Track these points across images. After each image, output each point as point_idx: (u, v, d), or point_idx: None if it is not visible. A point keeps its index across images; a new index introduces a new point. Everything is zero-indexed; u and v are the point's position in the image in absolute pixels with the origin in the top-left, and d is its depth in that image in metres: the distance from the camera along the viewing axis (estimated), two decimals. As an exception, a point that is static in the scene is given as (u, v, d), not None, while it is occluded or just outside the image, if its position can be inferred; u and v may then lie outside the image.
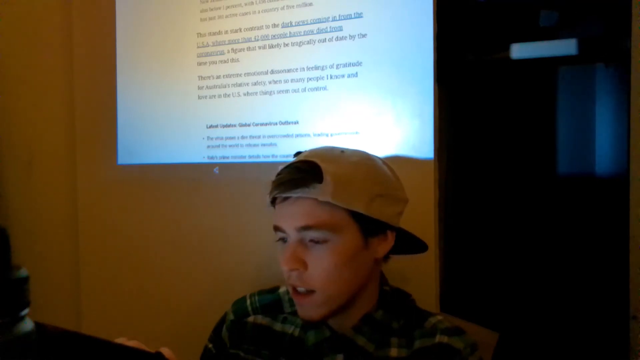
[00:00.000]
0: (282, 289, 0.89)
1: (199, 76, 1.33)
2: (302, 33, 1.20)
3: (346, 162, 0.77)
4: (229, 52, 1.29)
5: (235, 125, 1.29)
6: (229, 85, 1.30)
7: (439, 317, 0.81)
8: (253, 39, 1.26)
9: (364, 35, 1.14)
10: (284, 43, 1.23)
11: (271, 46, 1.24)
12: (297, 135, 1.22)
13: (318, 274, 0.75)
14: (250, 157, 1.27)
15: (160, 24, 1.38)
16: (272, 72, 1.24)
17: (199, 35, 1.33)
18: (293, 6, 1.21)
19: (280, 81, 1.23)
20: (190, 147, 1.35)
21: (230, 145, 1.30)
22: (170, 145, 1.37)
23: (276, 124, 1.24)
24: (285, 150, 1.22)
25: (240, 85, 1.28)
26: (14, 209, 1.62)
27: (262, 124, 1.26)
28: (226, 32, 1.29)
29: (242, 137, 1.28)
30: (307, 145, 1.16)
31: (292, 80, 1.22)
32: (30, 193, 1.60)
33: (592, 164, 1.45)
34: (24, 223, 1.59)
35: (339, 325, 0.80)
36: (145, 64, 1.40)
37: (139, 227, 1.41)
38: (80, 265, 1.50)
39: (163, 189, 1.38)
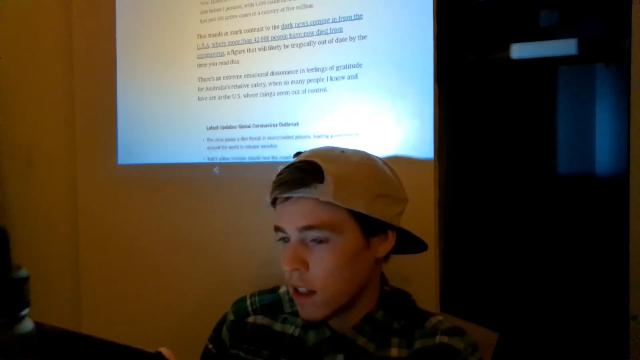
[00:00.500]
0: (282, 289, 0.89)
1: (199, 77, 1.33)
2: (302, 35, 1.20)
3: (347, 162, 0.77)
4: (229, 53, 1.30)
5: (235, 127, 1.29)
6: (229, 86, 1.30)
7: (440, 318, 0.82)
8: (253, 41, 1.26)
9: (364, 37, 1.14)
10: (284, 44, 1.23)
11: (271, 47, 1.24)
12: (297, 137, 1.22)
13: (319, 274, 0.75)
14: (250, 158, 1.27)
15: (160, 24, 1.38)
16: (272, 73, 1.24)
17: (199, 36, 1.33)
18: (293, 8, 1.21)
19: (280, 82, 1.23)
20: (190, 148, 1.35)
21: (230, 147, 1.30)
22: (170, 145, 1.37)
23: (276, 125, 1.24)
24: (285, 152, 1.22)
25: (240, 86, 1.28)
26: (14, 209, 1.61)
27: (262, 126, 1.26)
28: (226, 33, 1.29)
29: (242, 139, 1.28)
30: (308, 146, 1.16)
31: (292, 82, 1.22)
32: (30, 193, 1.60)
33: (592, 164, 1.45)
34: (24, 223, 1.59)
35: (340, 325, 0.80)
36: (145, 64, 1.40)
37: (139, 227, 1.41)
38: (80, 265, 1.49)
39: (163, 189, 1.38)
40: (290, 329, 0.84)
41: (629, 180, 1.04)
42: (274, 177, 0.79)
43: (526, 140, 1.50)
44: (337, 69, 1.16)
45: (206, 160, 1.33)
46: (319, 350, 0.80)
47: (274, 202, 0.80)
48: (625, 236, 1.04)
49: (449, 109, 1.33)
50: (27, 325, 0.32)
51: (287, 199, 0.76)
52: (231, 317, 0.89)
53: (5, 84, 1.61)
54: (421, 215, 1.05)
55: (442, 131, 1.12)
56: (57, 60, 1.54)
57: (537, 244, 1.46)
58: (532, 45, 1.32)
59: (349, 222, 0.75)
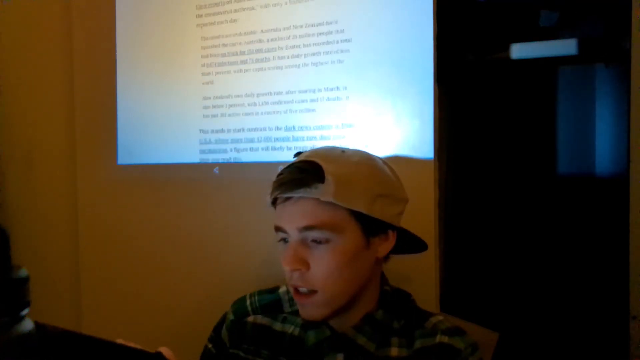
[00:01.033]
0: (282, 289, 0.89)
1: (199, 77, 1.33)
2: (305, 35, 1.20)
3: (347, 162, 0.77)
4: (229, 54, 1.30)
5: (235, 129, 1.29)
6: (229, 88, 1.30)
7: (440, 317, 0.82)
8: (255, 41, 1.26)
9: (363, 37, 1.14)
10: (286, 45, 1.23)
11: (272, 49, 1.24)
12: (297, 139, 1.22)
13: (320, 274, 0.75)
14: (250, 158, 1.27)
15: (160, 24, 1.38)
16: (273, 75, 1.24)
17: (203, 38, 1.33)
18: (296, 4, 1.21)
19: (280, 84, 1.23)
20: (190, 149, 1.35)
21: (230, 150, 1.30)
22: (170, 145, 1.37)
23: (276, 128, 1.24)
24: (285, 154, 1.22)
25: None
26: (14, 209, 1.62)
27: (262, 129, 1.26)
28: (227, 35, 1.29)
29: (242, 140, 1.28)
30: (308, 147, 1.17)
31: (292, 83, 1.22)
32: (30, 193, 1.60)
33: (592, 164, 1.45)
34: (24, 223, 1.59)
35: (340, 324, 0.80)
36: (145, 64, 1.40)
37: (139, 227, 1.41)
38: (80, 265, 1.50)
39: (163, 189, 1.38)
40: (290, 329, 0.84)
41: (629, 180, 1.04)
42: (274, 177, 0.79)
43: (526, 140, 1.50)
44: (337, 71, 1.16)
45: (206, 160, 1.33)
46: (319, 350, 0.80)
47: (274, 202, 0.79)
48: (625, 236, 1.04)
49: (449, 109, 1.33)
50: (27, 325, 0.32)
51: (288, 199, 0.76)
52: (231, 316, 0.89)
53: (5, 84, 1.61)
54: (421, 215, 1.05)
55: (442, 131, 1.12)
56: (57, 60, 1.54)
57: (537, 244, 1.46)
58: (532, 45, 1.32)
59: (349, 222, 0.75)
